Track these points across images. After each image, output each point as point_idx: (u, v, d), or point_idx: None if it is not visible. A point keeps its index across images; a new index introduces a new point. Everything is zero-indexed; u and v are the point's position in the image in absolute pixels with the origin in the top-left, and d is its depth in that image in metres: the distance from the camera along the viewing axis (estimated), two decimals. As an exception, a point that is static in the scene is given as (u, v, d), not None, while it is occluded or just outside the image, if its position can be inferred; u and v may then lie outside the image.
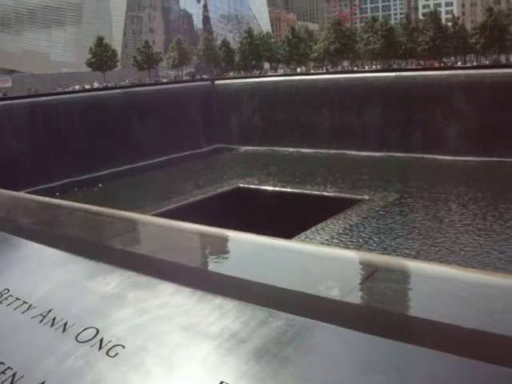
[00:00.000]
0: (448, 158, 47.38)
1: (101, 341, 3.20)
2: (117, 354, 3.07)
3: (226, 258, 4.92)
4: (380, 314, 3.24)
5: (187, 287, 3.48)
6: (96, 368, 3.02)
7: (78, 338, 3.30)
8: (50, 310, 3.66)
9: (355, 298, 3.57)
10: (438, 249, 22.77)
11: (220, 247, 5.34)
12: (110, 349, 3.12)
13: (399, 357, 2.54)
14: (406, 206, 29.74)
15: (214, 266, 4.41)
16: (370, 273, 4.07)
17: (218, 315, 3.08)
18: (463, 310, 3.28)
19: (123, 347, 3.10)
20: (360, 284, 3.79)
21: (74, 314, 3.58)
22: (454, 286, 3.68)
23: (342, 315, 3.16)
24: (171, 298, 3.42)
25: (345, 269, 4.26)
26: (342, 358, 2.54)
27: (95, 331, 3.30)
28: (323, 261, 4.50)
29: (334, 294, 3.63)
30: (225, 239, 5.46)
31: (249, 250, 5.02)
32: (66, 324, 3.47)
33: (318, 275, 4.12)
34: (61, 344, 3.32)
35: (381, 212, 27.14)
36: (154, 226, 6.32)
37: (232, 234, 5.41)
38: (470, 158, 46.05)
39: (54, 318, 3.56)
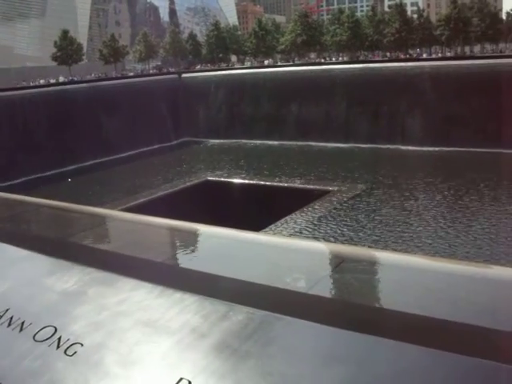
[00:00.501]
0: (413, 148, 47.88)
1: (59, 339, 3.12)
2: (75, 352, 2.99)
3: (192, 252, 4.86)
4: (344, 306, 3.23)
5: (148, 282, 3.41)
6: (54, 368, 2.94)
7: (35, 338, 3.21)
8: (6, 310, 3.56)
9: (320, 289, 3.54)
10: (404, 239, 22.95)
11: (186, 241, 5.28)
12: (68, 347, 3.04)
13: (361, 348, 2.53)
14: (373, 197, 29.95)
15: (179, 260, 4.36)
16: (337, 264, 4.07)
17: (178, 310, 3.03)
18: (429, 299, 3.29)
19: (82, 345, 3.02)
20: (326, 275, 3.76)
21: (31, 313, 3.49)
22: (420, 275, 3.68)
23: (305, 308, 3.13)
24: (131, 293, 3.35)
25: (311, 260, 4.24)
26: (303, 351, 2.51)
27: (53, 330, 3.21)
28: (290, 253, 4.47)
29: (300, 285, 3.61)
30: (192, 233, 5.40)
31: (215, 244, 4.97)
32: (23, 323, 3.37)
33: (284, 267, 4.09)
34: (18, 344, 3.23)
35: (348, 203, 27.28)
36: (121, 221, 6.23)
37: (199, 228, 5.36)
38: (435, 148, 46.55)
39: (11, 318, 3.46)
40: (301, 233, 22.14)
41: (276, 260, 4.37)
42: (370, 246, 21.03)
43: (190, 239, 5.32)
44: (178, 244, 5.20)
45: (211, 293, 3.17)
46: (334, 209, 25.66)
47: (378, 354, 2.46)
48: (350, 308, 3.18)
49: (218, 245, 4.99)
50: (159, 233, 5.60)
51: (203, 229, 5.33)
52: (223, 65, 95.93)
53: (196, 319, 2.88)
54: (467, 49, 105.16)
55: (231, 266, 4.23)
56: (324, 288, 3.64)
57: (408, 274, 3.84)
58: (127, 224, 6.03)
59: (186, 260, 4.40)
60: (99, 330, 3.11)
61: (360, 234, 23.60)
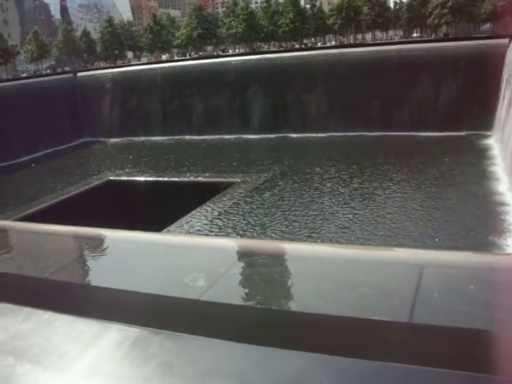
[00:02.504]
0: (315, 135, 49.09)
1: None
2: None
3: (76, 262, 4.50)
4: (232, 310, 3.03)
5: (14, 304, 3.06)
6: None
7: None
8: None
9: (217, 291, 3.36)
10: (306, 230, 23.28)
11: (73, 249, 4.92)
12: None
13: (246, 360, 2.34)
14: (277, 188, 30.30)
15: (56, 273, 3.98)
16: (237, 259, 3.98)
17: (48, 334, 2.71)
18: (329, 288, 3.24)
19: None
20: (226, 273, 3.61)
21: None
22: (320, 263, 3.65)
23: (191, 318, 2.90)
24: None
25: (212, 258, 4.07)
26: (182, 368, 2.28)
27: None
28: (190, 251, 4.31)
29: (200, 285, 3.45)
30: (83, 239, 5.04)
31: (108, 249, 4.67)
32: None
33: (182, 268, 3.90)
34: None
35: (251, 195, 27.38)
36: (12, 231, 5.76)
37: (92, 232, 5.01)
38: (337, 134, 47.93)
39: None
40: (203, 229, 21.94)
41: (175, 260, 4.16)
42: (272, 238, 21.23)
43: (78, 246, 4.97)
44: (63, 253, 4.77)
45: (85, 310, 2.87)
46: (238, 201, 25.65)
47: (264, 363, 2.27)
48: (241, 312, 2.99)
49: (111, 250, 4.69)
50: (44, 242, 5.18)
51: (96, 233, 4.99)
52: (119, 62, 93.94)
53: (65, 343, 2.58)
54: (359, 37, 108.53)
55: (120, 274, 3.96)
56: (221, 289, 3.45)
57: (309, 263, 3.77)
58: (17, 235, 5.57)
59: (65, 272, 4.04)
60: None
61: (260, 226, 23.71)
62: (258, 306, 3.16)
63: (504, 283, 3.13)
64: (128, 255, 4.51)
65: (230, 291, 3.49)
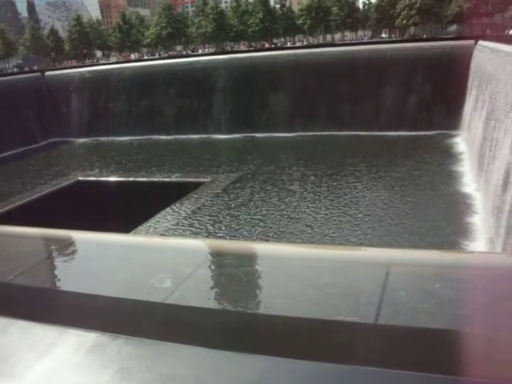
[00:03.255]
0: (280, 134, 49.48)
1: None
2: None
3: (41, 264, 4.38)
4: (195, 313, 2.97)
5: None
6: None
7: None
8: None
9: (181, 293, 3.30)
10: (273, 229, 23.35)
11: (38, 251, 4.80)
12: None
13: (206, 363, 2.28)
14: (245, 187, 30.36)
15: (20, 276, 3.86)
16: (204, 259, 3.93)
17: (4, 341, 2.61)
18: (296, 288, 3.22)
19: None
20: (191, 273, 3.55)
21: None
22: (288, 263, 3.63)
23: (153, 322, 2.83)
24: None
25: (180, 259, 4.02)
26: (140, 373, 2.21)
27: None
28: (158, 253, 4.24)
29: (166, 286, 3.39)
30: (48, 240, 4.92)
31: (73, 251, 4.57)
32: None
33: (149, 269, 3.83)
34: None
35: (220, 195, 27.36)
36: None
37: (58, 233, 4.89)
38: (306, 133, 48.24)
39: None
40: (172, 229, 21.82)
41: (142, 262, 4.09)
42: (240, 238, 21.25)
43: (44, 249, 4.85)
44: (26, 256, 4.64)
45: (44, 316, 2.78)
46: (206, 201, 25.59)
47: (225, 368, 2.22)
48: (205, 315, 2.94)
49: (78, 252, 4.60)
50: (9, 244, 5.04)
51: (63, 234, 4.87)
52: (88, 61, 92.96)
53: (21, 349, 2.49)
54: (329, 37, 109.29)
55: (85, 277, 3.88)
56: (187, 290, 3.40)
57: (276, 263, 3.75)
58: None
59: (29, 276, 3.92)
60: None
61: (226, 226, 23.71)
62: (222, 309, 3.12)
63: (468, 281, 3.14)
64: (95, 257, 4.43)
65: (196, 293, 3.44)
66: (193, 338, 2.42)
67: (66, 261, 4.41)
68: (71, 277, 4.03)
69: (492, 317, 2.63)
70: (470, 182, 28.51)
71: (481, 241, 20.56)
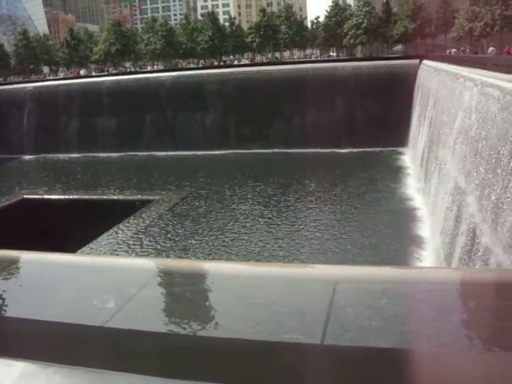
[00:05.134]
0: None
1: None
2: None
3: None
4: (143, 337, 2.85)
5: None
6: None
7: None
8: None
9: (122, 315, 3.17)
10: (220, 248, 23.28)
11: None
12: None
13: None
14: (191, 206, 30.28)
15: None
16: (149, 279, 3.81)
17: None
18: (242, 307, 3.15)
19: None
20: (136, 293, 3.42)
21: None
22: (234, 281, 3.55)
23: (85, 346, 2.69)
24: None
25: (124, 278, 3.88)
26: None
27: None
28: (103, 272, 4.08)
29: (110, 306, 3.25)
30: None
31: (18, 272, 4.34)
32: None
33: (93, 290, 3.67)
34: None
35: (167, 213, 27.09)
36: None
37: (3, 254, 4.66)
38: (254, 151, 48.60)
39: None
40: (117, 249, 21.41)
41: (85, 283, 3.91)
42: (185, 258, 21.06)
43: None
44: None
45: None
46: (153, 220, 25.26)
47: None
48: (146, 338, 2.82)
49: (19, 274, 4.38)
50: None
51: (4, 255, 4.64)
52: (35, 76, 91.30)
53: None
54: (277, 55, 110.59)
55: (23, 300, 3.68)
56: (131, 311, 3.27)
57: (222, 281, 3.66)
58: None
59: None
60: None
61: (176, 244, 23.53)
62: (165, 331, 3.01)
63: (415, 296, 3.14)
64: (35, 278, 4.24)
65: (140, 314, 3.31)
66: (130, 365, 2.30)
67: (4, 283, 4.22)
68: (8, 300, 3.84)
69: (437, 331, 2.63)
70: (414, 199, 29.10)
71: (425, 250, 21.12)
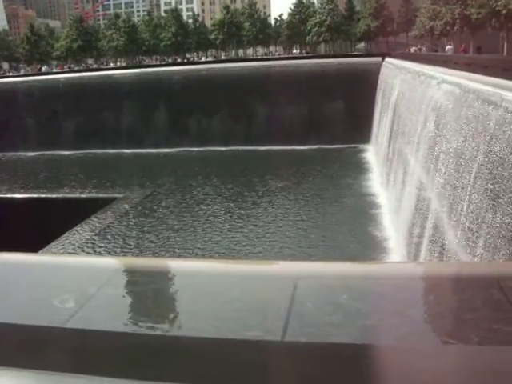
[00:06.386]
0: (195, 149, 49.62)
1: None
2: None
3: None
4: (101, 337, 2.78)
5: None
6: None
7: None
8: None
9: (82, 316, 3.09)
10: (182, 246, 23.25)
11: None
12: None
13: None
14: (159, 202, 30.12)
15: None
16: (110, 277, 3.73)
17: None
18: (203, 304, 3.10)
19: None
20: (95, 293, 3.34)
21: None
22: (195, 278, 3.50)
23: (38, 349, 2.62)
24: None
25: (84, 278, 3.78)
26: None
27: None
28: (62, 272, 3.98)
29: (69, 306, 3.16)
30: None
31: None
32: None
33: (52, 290, 3.57)
34: None
35: (131, 211, 26.87)
36: None
37: None
38: (219, 148, 48.46)
39: None
40: (80, 247, 21.14)
41: (44, 283, 3.80)
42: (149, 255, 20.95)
43: None
44: None
45: None
46: (116, 219, 25.03)
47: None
48: (104, 339, 2.75)
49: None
50: None
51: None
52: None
53: None
54: (241, 52, 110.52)
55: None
56: (90, 311, 3.17)
57: (184, 279, 3.59)
58: None
59: None
60: None
61: (138, 242, 23.40)
62: (123, 331, 2.93)
63: (376, 291, 3.14)
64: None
65: (100, 313, 3.22)
66: (89, 366, 2.24)
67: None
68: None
69: (397, 325, 2.63)
70: (377, 195, 29.41)
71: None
